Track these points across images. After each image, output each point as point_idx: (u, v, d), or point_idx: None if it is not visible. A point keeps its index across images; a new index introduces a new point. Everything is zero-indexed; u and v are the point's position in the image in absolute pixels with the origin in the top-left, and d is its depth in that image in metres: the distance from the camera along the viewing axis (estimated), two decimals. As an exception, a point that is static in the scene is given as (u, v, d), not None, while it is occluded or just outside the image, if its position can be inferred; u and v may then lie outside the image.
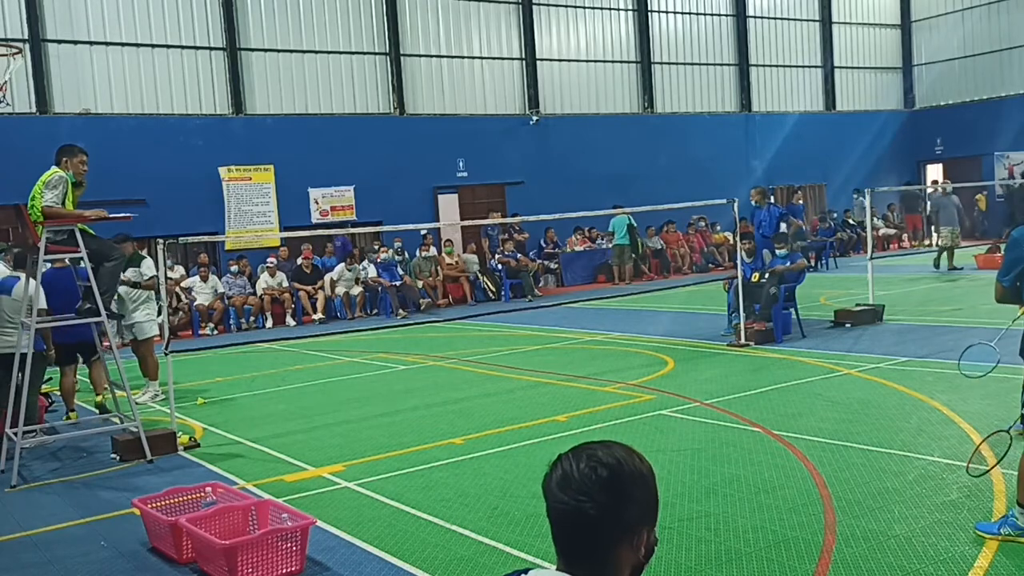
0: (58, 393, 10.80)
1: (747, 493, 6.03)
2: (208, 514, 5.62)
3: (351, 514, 6.17)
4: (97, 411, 10.24)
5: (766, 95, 28.63)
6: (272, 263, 18.85)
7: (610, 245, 22.97)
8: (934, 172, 31.13)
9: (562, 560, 1.88)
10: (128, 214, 9.37)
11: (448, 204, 22.46)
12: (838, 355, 10.79)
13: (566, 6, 24.81)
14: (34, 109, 18.15)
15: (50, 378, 11.49)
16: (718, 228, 25.60)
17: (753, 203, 14.87)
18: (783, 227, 14.60)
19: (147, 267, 10.90)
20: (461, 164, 22.75)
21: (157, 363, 10.88)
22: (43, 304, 8.50)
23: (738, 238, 13.06)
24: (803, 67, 29.51)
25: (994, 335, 6.06)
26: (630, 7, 25.92)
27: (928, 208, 27.80)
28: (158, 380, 10.87)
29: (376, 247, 19.84)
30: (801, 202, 25.11)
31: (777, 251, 13.25)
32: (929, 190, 27.60)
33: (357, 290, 18.85)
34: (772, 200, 15.13)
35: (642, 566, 1.89)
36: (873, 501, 5.70)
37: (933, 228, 20.20)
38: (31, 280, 8.24)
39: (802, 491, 5.98)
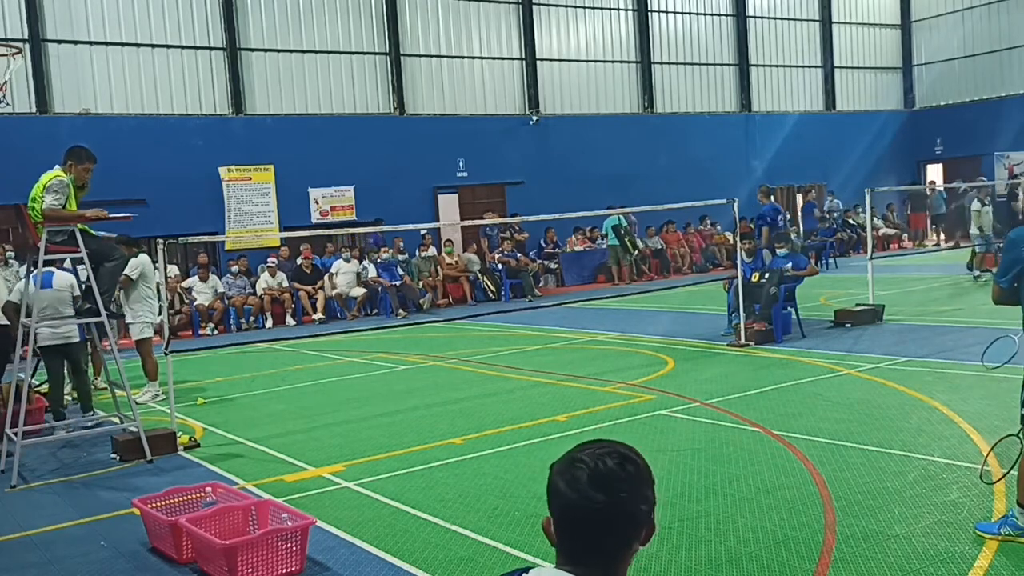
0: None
1: (747, 493, 6.03)
2: (208, 514, 5.61)
3: (351, 514, 6.17)
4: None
5: (766, 95, 28.63)
6: (273, 263, 18.85)
7: (607, 246, 22.98)
8: (934, 172, 31.15)
9: (569, 559, 1.88)
10: (128, 214, 9.36)
11: (448, 204, 22.47)
12: (838, 355, 10.79)
13: (566, 6, 24.82)
14: (34, 109, 18.16)
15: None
16: (718, 228, 25.60)
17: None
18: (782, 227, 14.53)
19: (129, 265, 10.50)
20: (461, 164, 22.75)
21: (156, 363, 10.87)
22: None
23: (738, 238, 13.05)
24: (803, 67, 29.52)
25: (994, 335, 6.05)
26: (630, 7, 25.92)
27: (929, 208, 27.84)
28: (157, 380, 10.86)
29: (376, 247, 19.84)
30: (812, 200, 25.06)
31: (777, 251, 13.26)
32: (928, 191, 27.64)
33: (359, 291, 18.85)
34: (772, 199, 14.88)
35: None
36: (873, 501, 5.70)
37: (971, 228, 19.65)
38: (31, 279, 8.26)
39: (802, 491, 5.98)
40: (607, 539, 1.85)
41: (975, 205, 18.62)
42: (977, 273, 17.68)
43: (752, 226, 14.91)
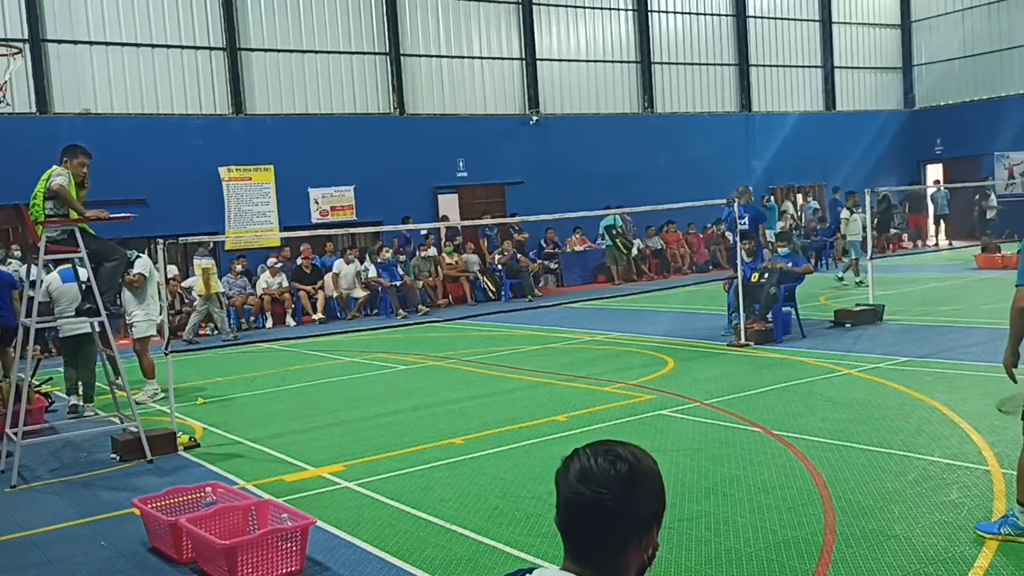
0: (59, 392, 10.82)
1: (747, 493, 6.02)
2: (208, 514, 5.61)
3: (351, 514, 6.17)
4: None
5: (766, 95, 28.63)
6: (277, 264, 18.82)
7: (605, 246, 22.95)
8: (934, 172, 31.15)
9: (570, 557, 1.90)
10: (128, 214, 9.37)
11: (448, 204, 22.47)
12: (838, 355, 10.78)
13: (566, 6, 24.81)
14: (34, 109, 18.16)
15: (50, 378, 11.53)
16: (720, 228, 25.54)
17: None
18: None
19: (138, 265, 10.78)
20: (461, 164, 22.75)
21: (152, 363, 10.85)
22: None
23: (738, 238, 13.04)
24: (803, 67, 29.52)
25: (995, 335, 6.05)
26: (630, 7, 25.92)
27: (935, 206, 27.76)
28: (155, 379, 10.86)
29: (377, 247, 19.85)
30: (838, 197, 24.87)
31: (779, 250, 13.28)
32: (931, 190, 27.64)
33: (360, 293, 18.85)
34: (740, 201, 14.44)
35: (645, 568, 1.92)
36: (873, 501, 5.69)
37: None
38: (40, 275, 8.28)
39: (802, 491, 5.98)
40: (596, 535, 1.86)
41: (844, 213, 18.86)
42: (841, 275, 18.45)
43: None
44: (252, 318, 18.25)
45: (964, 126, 29.30)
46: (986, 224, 26.01)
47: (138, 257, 10.88)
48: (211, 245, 16.92)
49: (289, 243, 19.73)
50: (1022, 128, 27.32)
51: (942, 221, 27.89)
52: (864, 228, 18.44)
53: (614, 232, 22.15)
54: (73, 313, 9.24)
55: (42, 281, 9.10)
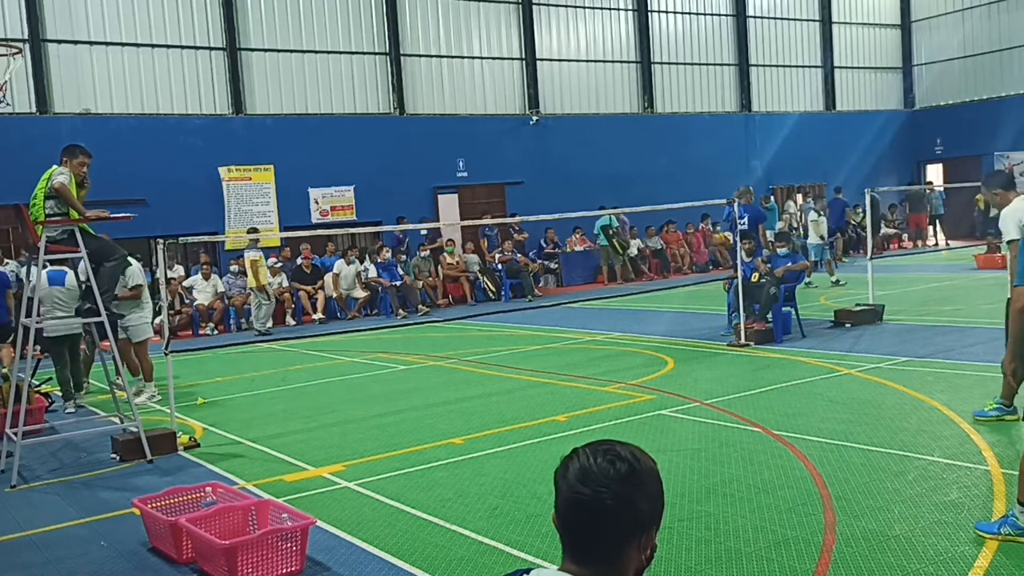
0: (58, 392, 10.82)
1: (747, 493, 6.02)
2: (208, 514, 5.61)
3: (351, 514, 6.17)
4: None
5: (766, 95, 28.63)
6: (277, 264, 18.82)
7: (600, 246, 22.97)
8: (934, 172, 31.17)
9: (569, 557, 1.91)
10: (128, 214, 9.37)
11: (448, 204, 22.47)
12: (838, 355, 10.78)
13: (566, 6, 24.82)
14: (34, 109, 18.16)
15: (50, 378, 11.53)
16: (718, 228, 25.56)
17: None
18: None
19: (131, 275, 10.58)
20: (461, 164, 22.75)
21: (151, 365, 10.83)
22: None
23: (738, 238, 13.04)
24: (803, 67, 29.52)
25: (994, 335, 6.05)
26: (630, 7, 25.92)
27: (930, 207, 27.75)
28: (154, 381, 10.85)
29: (377, 247, 19.86)
30: (840, 197, 24.72)
31: (779, 250, 13.28)
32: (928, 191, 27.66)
33: (360, 293, 18.85)
34: (740, 201, 14.42)
35: (644, 568, 1.93)
36: (873, 501, 5.69)
37: (809, 239, 19.62)
38: (39, 276, 8.30)
39: (802, 491, 5.98)
40: (595, 535, 1.87)
41: (812, 216, 18.81)
42: (808, 279, 17.85)
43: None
44: (252, 318, 18.22)
45: (964, 126, 29.31)
46: (988, 222, 25.99)
47: (128, 265, 10.68)
48: (258, 240, 17.07)
49: (289, 243, 19.73)
50: (1022, 128, 27.31)
51: (938, 221, 27.90)
52: (823, 235, 18.58)
53: (610, 232, 22.16)
54: (55, 315, 9.37)
55: (32, 280, 9.12)
